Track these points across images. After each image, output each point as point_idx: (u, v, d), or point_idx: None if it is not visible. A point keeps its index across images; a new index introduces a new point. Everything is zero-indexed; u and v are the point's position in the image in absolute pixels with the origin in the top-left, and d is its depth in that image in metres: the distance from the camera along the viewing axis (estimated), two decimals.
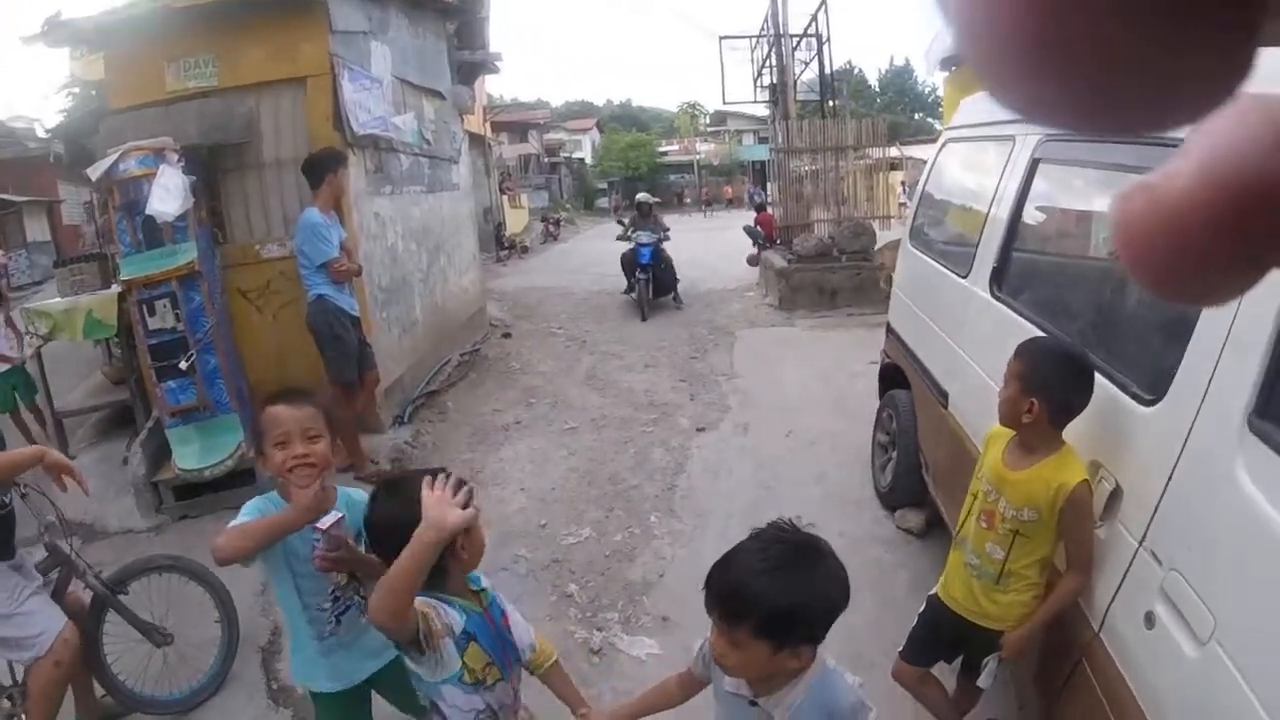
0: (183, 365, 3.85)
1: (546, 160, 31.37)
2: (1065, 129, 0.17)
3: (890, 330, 3.71)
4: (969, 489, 1.91)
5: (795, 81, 11.31)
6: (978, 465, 1.91)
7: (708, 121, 42.29)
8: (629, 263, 8.78)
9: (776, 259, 8.84)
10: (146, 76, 4.33)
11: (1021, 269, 2.40)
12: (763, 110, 13.86)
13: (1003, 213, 2.44)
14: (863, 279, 8.09)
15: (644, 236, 8.56)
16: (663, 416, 5.15)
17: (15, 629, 2.14)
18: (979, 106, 2.99)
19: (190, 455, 3.90)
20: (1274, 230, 0.15)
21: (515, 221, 18.94)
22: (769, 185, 12.36)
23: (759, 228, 10.36)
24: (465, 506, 1.27)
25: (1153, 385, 1.49)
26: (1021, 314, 2.17)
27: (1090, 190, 2.12)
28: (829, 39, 11.55)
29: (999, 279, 2.41)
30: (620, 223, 9.69)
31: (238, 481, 3.88)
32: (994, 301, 2.39)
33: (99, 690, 2.48)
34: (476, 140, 13.42)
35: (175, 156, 3.85)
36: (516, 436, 4.95)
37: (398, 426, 4.87)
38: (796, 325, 7.69)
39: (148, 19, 4.22)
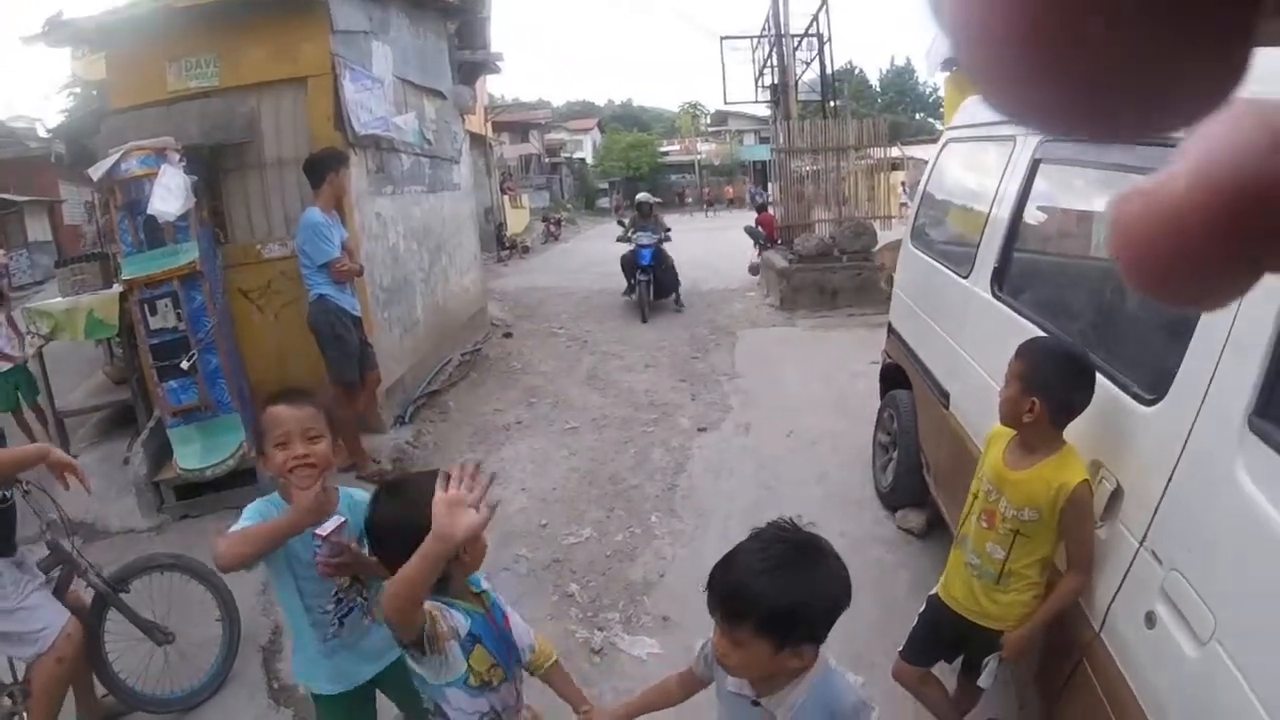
0: (184, 365, 3.86)
1: (547, 160, 31.40)
2: (1059, 134, 0.17)
3: (891, 330, 3.71)
4: (970, 489, 1.91)
5: (796, 82, 11.30)
6: (979, 465, 1.91)
7: (709, 121, 42.33)
8: (629, 264, 8.61)
9: (778, 259, 8.83)
10: (148, 76, 4.34)
11: (1022, 269, 2.41)
12: (764, 110, 13.85)
13: (1004, 213, 2.44)
14: (864, 279, 8.09)
15: (644, 237, 8.39)
16: (663, 416, 5.15)
17: (18, 624, 2.13)
18: (980, 107, 2.98)
19: (191, 455, 3.90)
20: (1270, 232, 0.15)
21: (516, 221, 18.92)
22: (770, 185, 12.36)
23: (760, 228, 10.34)
24: (482, 500, 1.22)
25: (1153, 385, 1.49)
26: (1022, 314, 2.17)
27: (1091, 190, 2.12)
28: (830, 39, 11.57)
29: (1000, 279, 2.41)
30: (621, 223, 9.56)
31: (239, 481, 3.89)
32: (995, 301, 2.39)
33: (100, 689, 2.48)
34: (477, 140, 13.42)
35: (177, 156, 3.85)
36: (517, 436, 4.96)
37: (399, 426, 4.87)
38: (797, 325, 7.69)
39: (149, 19, 4.23)
